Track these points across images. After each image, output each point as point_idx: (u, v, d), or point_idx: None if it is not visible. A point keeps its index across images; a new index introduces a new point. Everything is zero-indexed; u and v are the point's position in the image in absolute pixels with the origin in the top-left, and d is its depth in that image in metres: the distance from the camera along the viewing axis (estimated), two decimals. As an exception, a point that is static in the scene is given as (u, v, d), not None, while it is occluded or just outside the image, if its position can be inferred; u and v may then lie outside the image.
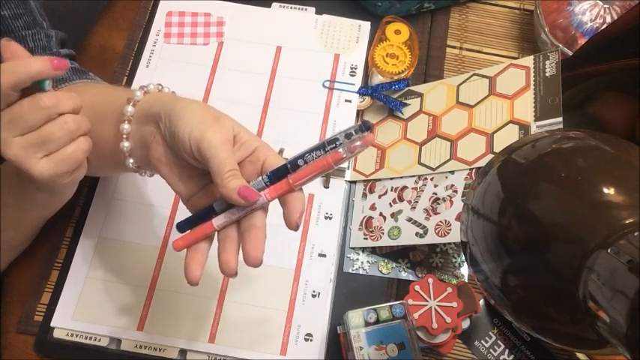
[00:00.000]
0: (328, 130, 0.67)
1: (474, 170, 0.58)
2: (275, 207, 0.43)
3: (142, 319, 0.58)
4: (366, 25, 0.73)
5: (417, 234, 0.58)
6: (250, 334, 0.58)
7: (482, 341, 0.59)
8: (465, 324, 0.56)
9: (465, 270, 0.62)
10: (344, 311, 0.54)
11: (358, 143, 0.39)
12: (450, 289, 0.55)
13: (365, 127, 0.40)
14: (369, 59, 0.71)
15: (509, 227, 0.37)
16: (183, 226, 0.45)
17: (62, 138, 0.44)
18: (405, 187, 0.63)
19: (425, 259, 0.62)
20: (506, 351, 0.59)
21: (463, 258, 0.62)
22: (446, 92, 0.66)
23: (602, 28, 0.65)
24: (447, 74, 0.71)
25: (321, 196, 0.64)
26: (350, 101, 0.69)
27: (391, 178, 0.64)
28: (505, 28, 0.75)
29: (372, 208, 0.64)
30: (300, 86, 0.69)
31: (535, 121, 0.56)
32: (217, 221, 0.42)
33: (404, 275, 0.61)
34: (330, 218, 0.63)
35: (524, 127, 0.57)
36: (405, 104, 0.67)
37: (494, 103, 0.61)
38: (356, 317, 0.53)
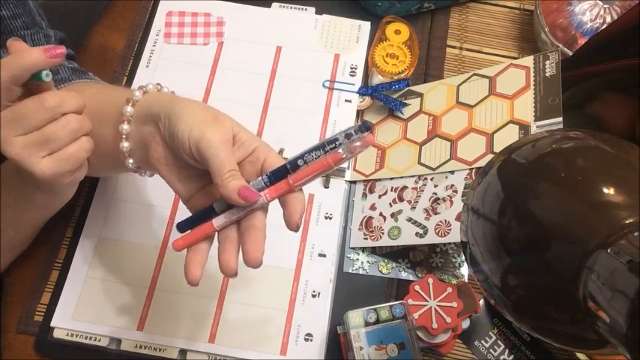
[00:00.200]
0: (328, 130, 0.67)
1: (473, 170, 0.58)
2: (275, 207, 0.42)
3: (142, 319, 0.58)
4: (366, 25, 0.73)
5: (417, 234, 0.58)
6: (250, 334, 0.58)
7: (482, 341, 0.59)
8: (465, 324, 0.56)
9: (465, 270, 0.62)
10: (344, 311, 0.54)
11: (358, 144, 0.39)
12: (450, 289, 0.55)
13: (365, 127, 0.39)
14: (369, 59, 0.71)
15: (509, 227, 0.37)
16: (183, 227, 0.45)
17: (65, 137, 0.44)
18: (405, 187, 0.63)
19: (425, 259, 0.62)
20: (506, 351, 0.59)
21: (463, 258, 0.62)
22: (446, 92, 0.66)
23: (602, 28, 0.65)
24: (447, 74, 0.71)
25: (321, 196, 0.64)
26: (350, 101, 0.69)
27: (391, 178, 0.64)
28: (505, 28, 0.75)
29: (372, 208, 0.64)
30: (300, 86, 0.69)
31: (535, 121, 0.56)
32: (217, 221, 0.42)
33: (404, 275, 0.61)
34: (330, 218, 0.63)
35: (524, 127, 0.57)
36: (405, 104, 0.67)
37: (494, 103, 0.61)
38: (356, 317, 0.53)
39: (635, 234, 0.30)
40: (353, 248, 0.63)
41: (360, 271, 0.62)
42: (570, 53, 0.65)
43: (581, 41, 0.66)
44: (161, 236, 0.62)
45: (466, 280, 0.61)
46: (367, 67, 0.71)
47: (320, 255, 0.62)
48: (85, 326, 0.58)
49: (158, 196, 0.63)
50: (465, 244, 0.42)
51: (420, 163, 0.63)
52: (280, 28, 0.73)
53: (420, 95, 0.68)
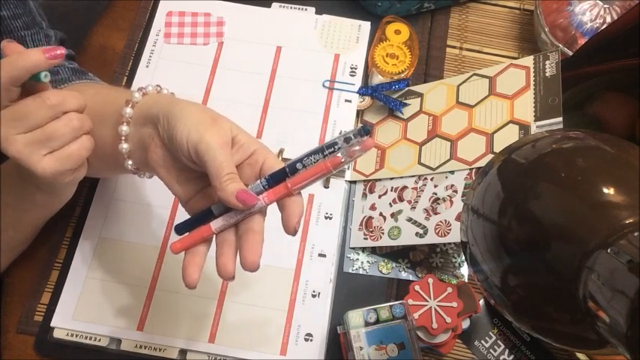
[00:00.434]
0: (328, 130, 0.67)
1: (473, 170, 0.58)
2: (274, 211, 0.42)
3: (141, 319, 0.58)
4: (366, 25, 0.73)
5: (417, 234, 0.58)
6: (250, 334, 0.58)
7: (482, 341, 0.59)
8: (465, 324, 0.56)
9: (465, 270, 0.61)
10: (344, 311, 0.54)
11: (357, 148, 0.39)
12: (450, 289, 0.55)
13: (364, 131, 0.39)
14: (369, 59, 0.71)
15: (509, 227, 0.37)
16: (181, 229, 0.44)
17: (66, 135, 0.44)
18: (405, 187, 0.63)
19: (425, 259, 0.62)
20: (506, 351, 0.59)
21: (463, 258, 0.62)
22: (446, 92, 0.66)
23: (602, 28, 0.65)
24: (447, 74, 0.71)
25: (321, 196, 0.64)
26: (350, 101, 0.69)
27: (391, 178, 0.64)
28: (505, 28, 0.75)
29: (372, 208, 0.64)
30: (300, 86, 0.69)
31: (535, 121, 0.56)
32: (215, 224, 0.42)
33: (404, 275, 0.61)
34: (330, 218, 0.63)
35: (524, 127, 0.57)
36: (405, 104, 0.67)
37: (494, 103, 0.61)
38: (356, 317, 0.53)
39: (635, 234, 0.30)
40: (353, 248, 0.63)
41: (360, 271, 0.62)
42: (570, 53, 0.65)
43: (581, 41, 0.66)
44: (161, 236, 0.62)
45: (466, 280, 0.61)
46: (367, 67, 0.71)
47: (320, 255, 0.62)
48: (85, 326, 0.58)
49: (158, 197, 0.63)
50: (465, 244, 0.42)
51: (420, 163, 0.63)
52: (280, 28, 0.73)
53: (420, 95, 0.68)
